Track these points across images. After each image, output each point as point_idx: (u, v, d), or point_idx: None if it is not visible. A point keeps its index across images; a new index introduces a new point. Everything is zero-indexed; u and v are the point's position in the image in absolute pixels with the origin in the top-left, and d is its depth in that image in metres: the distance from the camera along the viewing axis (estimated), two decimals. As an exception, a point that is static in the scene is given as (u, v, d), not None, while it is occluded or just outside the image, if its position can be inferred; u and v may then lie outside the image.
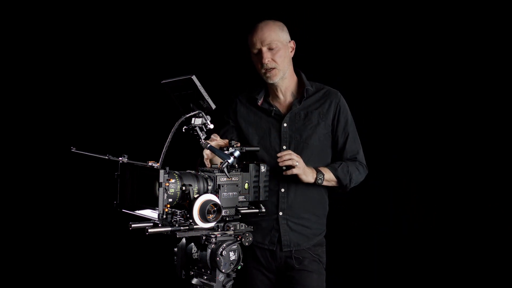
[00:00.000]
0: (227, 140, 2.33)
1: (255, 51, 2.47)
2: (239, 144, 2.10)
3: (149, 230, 1.81)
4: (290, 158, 2.32)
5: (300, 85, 2.57)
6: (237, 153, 2.06)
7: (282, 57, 2.46)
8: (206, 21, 3.83)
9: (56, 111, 4.00)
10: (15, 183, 3.95)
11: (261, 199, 2.16)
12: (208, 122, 1.98)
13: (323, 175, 2.41)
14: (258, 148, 2.37)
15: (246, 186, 2.11)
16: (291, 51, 2.52)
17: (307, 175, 2.37)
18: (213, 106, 1.94)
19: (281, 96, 2.56)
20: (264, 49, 2.43)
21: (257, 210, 2.13)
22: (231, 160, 2.02)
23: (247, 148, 2.15)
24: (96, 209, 3.84)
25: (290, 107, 2.54)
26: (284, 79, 2.51)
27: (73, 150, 1.95)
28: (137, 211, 1.89)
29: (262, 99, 2.58)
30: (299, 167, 2.33)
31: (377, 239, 3.45)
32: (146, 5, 3.93)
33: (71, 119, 3.99)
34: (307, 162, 2.41)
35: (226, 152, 2.05)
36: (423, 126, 3.34)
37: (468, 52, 3.22)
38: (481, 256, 3.21)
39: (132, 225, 1.82)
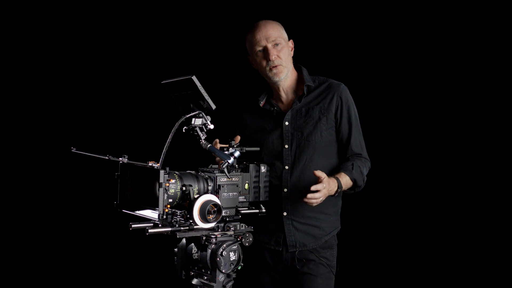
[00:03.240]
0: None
1: (260, 48, 2.40)
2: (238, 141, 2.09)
3: (149, 231, 1.81)
4: (318, 198, 2.19)
5: (301, 81, 2.49)
6: (237, 154, 2.06)
7: (286, 54, 2.41)
8: (206, 21, 3.84)
9: (56, 112, 4.00)
10: (16, 183, 3.96)
11: (261, 199, 2.16)
12: (208, 122, 1.98)
13: (341, 189, 2.30)
14: (258, 148, 2.32)
15: (246, 186, 2.11)
16: (291, 50, 2.47)
17: (331, 192, 2.27)
18: (213, 107, 1.94)
19: (283, 95, 2.50)
20: (270, 45, 2.38)
21: (257, 211, 2.12)
22: (231, 160, 2.02)
23: (247, 149, 2.15)
24: (97, 209, 3.84)
25: (291, 105, 2.48)
26: (287, 77, 2.46)
27: (73, 150, 1.95)
28: (137, 212, 1.89)
29: (264, 101, 2.53)
30: (322, 201, 2.22)
31: (376, 239, 3.45)
32: (146, 5, 3.93)
33: (71, 120, 4.00)
34: (311, 160, 2.38)
35: (226, 152, 2.05)
36: (423, 126, 3.35)
37: (467, 52, 3.22)
38: (481, 256, 3.21)
39: (132, 226, 1.82)
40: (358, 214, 3.35)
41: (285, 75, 2.43)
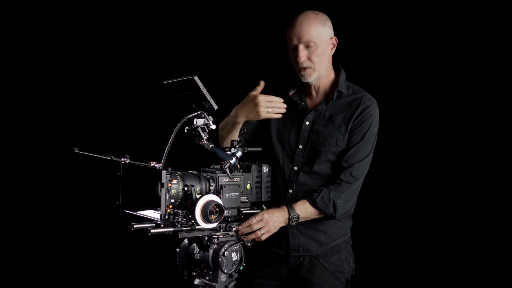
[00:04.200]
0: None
1: (292, 47, 2.30)
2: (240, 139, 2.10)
3: (151, 231, 1.81)
4: (252, 231, 2.11)
5: (335, 84, 2.38)
6: (239, 154, 2.06)
7: (319, 56, 2.29)
8: (208, 21, 3.84)
9: (58, 112, 4.01)
10: (18, 184, 3.97)
11: (263, 199, 2.16)
12: (210, 122, 1.97)
13: (297, 216, 2.20)
14: (260, 149, 2.22)
15: (248, 186, 2.11)
16: (331, 48, 2.35)
17: (277, 227, 2.17)
18: (215, 107, 1.94)
19: (314, 93, 2.40)
20: (301, 46, 2.26)
21: (259, 211, 2.12)
22: (233, 160, 2.03)
23: (249, 149, 2.14)
24: (98, 210, 3.84)
25: (317, 106, 2.38)
26: (319, 78, 2.35)
27: (75, 150, 1.96)
28: (139, 212, 1.90)
29: (294, 90, 2.42)
30: (268, 231, 2.14)
31: (376, 239, 3.45)
32: (148, 5, 3.94)
33: (73, 120, 4.00)
34: (321, 167, 2.29)
35: (228, 152, 2.05)
36: (424, 126, 3.35)
37: (465, 53, 3.22)
38: (481, 256, 3.21)
39: (134, 226, 1.83)
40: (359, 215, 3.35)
41: (315, 77, 2.32)
